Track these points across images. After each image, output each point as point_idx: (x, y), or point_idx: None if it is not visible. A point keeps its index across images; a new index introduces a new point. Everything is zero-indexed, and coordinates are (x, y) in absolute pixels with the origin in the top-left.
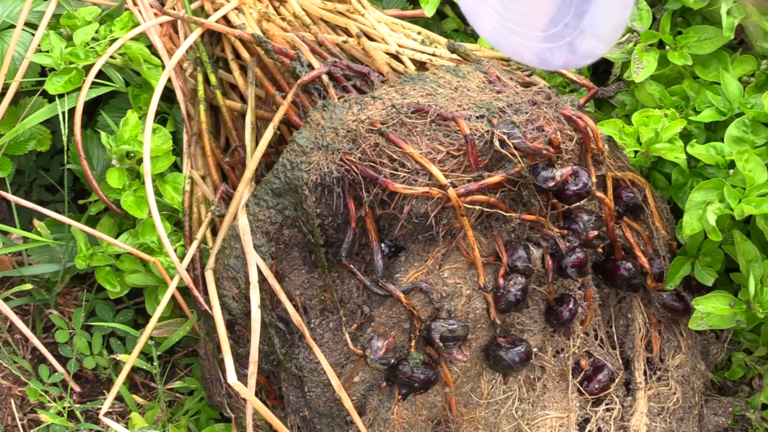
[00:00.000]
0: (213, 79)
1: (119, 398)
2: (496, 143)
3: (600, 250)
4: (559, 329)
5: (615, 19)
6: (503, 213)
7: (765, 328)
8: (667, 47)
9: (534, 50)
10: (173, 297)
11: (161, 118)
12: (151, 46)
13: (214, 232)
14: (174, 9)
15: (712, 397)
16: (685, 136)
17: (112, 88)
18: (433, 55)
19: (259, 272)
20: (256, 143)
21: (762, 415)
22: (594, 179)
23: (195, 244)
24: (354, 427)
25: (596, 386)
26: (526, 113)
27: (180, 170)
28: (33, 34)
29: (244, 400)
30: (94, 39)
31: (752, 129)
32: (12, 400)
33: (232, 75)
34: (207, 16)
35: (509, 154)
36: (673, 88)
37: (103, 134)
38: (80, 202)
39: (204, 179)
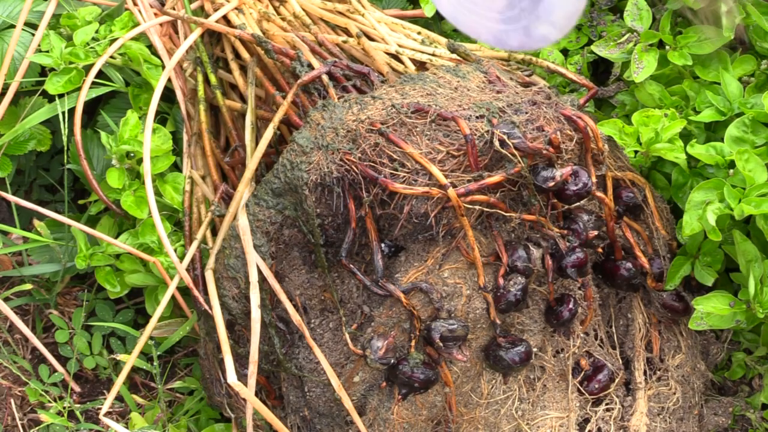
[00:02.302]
0: (213, 79)
1: (119, 398)
2: (496, 143)
3: (600, 250)
4: (559, 329)
5: (569, 7)
6: (503, 213)
7: (765, 328)
8: (667, 47)
9: (491, 30)
10: (173, 297)
11: (161, 118)
12: (151, 46)
13: (214, 232)
14: (174, 9)
15: (712, 397)
16: (685, 136)
17: (112, 88)
18: (433, 55)
19: (259, 272)
20: (256, 143)
21: (762, 415)
22: (594, 179)
23: (195, 244)
24: (354, 427)
25: (596, 386)
26: (526, 113)
27: (180, 170)
28: (33, 34)
29: (244, 400)
30: (94, 39)
31: (752, 129)
32: (12, 400)
33: (232, 75)
34: (207, 16)
35: (509, 154)
36: (673, 88)
37: (103, 134)
38: (80, 202)
39: (204, 179)
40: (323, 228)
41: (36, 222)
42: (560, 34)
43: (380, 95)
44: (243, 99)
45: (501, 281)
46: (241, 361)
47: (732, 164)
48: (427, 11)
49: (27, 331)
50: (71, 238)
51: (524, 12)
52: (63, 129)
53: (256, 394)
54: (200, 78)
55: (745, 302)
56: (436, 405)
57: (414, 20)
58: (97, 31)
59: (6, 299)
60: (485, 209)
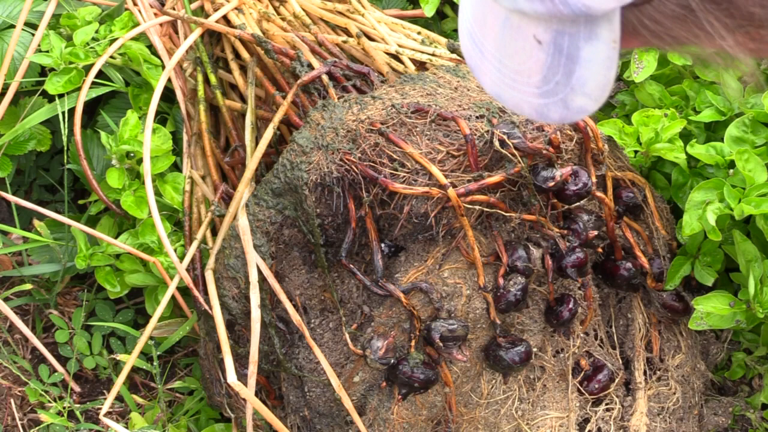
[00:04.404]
0: (213, 79)
1: (119, 398)
2: (496, 143)
3: (600, 250)
4: (559, 329)
5: (601, 78)
6: (503, 213)
7: (765, 328)
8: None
9: (532, 105)
10: (173, 297)
11: (161, 118)
12: (151, 46)
13: (214, 232)
14: (174, 9)
15: (712, 397)
16: (685, 136)
17: (112, 88)
18: (433, 55)
19: (259, 272)
20: (256, 143)
21: (762, 415)
22: (594, 179)
23: (195, 244)
24: (354, 427)
25: (596, 386)
26: None
27: (180, 170)
28: (33, 34)
29: (244, 400)
30: (94, 39)
31: (752, 129)
32: (12, 400)
33: (232, 75)
34: (207, 16)
35: (509, 154)
36: (673, 88)
37: (103, 134)
38: (80, 202)
39: (204, 179)
40: (323, 228)
41: (36, 222)
42: (597, 104)
43: (380, 95)
44: (243, 99)
45: (501, 281)
46: (241, 361)
47: (732, 164)
48: (427, 11)
49: (27, 331)
50: (71, 238)
51: (559, 85)
52: (63, 129)
53: (256, 394)
54: (200, 78)
55: (745, 302)
56: (436, 405)
57: (414, 20)
58: (97, 31)
59: (6, 299)
60: (485, 209)
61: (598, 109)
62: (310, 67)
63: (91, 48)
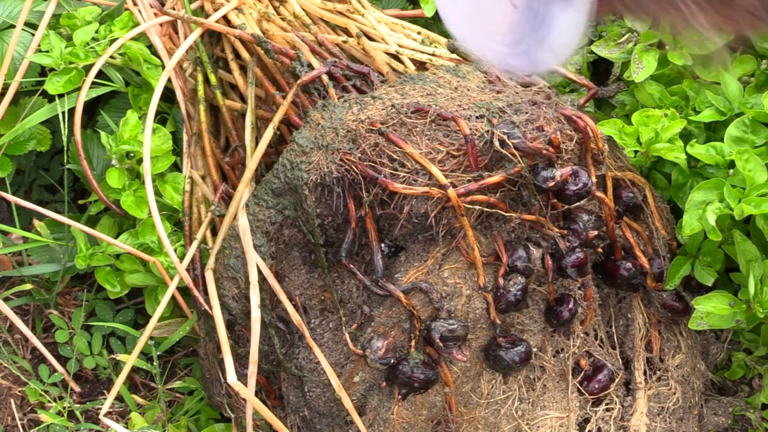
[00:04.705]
0: (213, 79)
1: (119, 398)
2: (496, 143)
3: (600, 250)
4: (559, 329)
5: (566, 37)
6: (503, 213)
7: (765, 328)
8: (667, 47)
9: (495, 51)
10: (173, 297)
11: (161, 118)
12: (151, 46)
13: (214, 232)
14: (174, 9)
15: (712, 397)
16: (685, 136)
17: (112, 88)
18: (433, 55)
19: (259, 272)
20: (256, 143)
21: (762, 415)
22: (594, 179)
23: (195, 244)
24: (354, 427)
25: (596, 386)
26: (526, 113)
27: (180, 170)
28: (33, 34)
29: (244, 400)
30: (94, 39)
31: (752, 129)
32: (12, 400)
33: (232, 75)
34: (207, 16)
35: (509, 154)
36: (673, 88)
37: (103, 134)
38: (80, 202)
39: (204, 179)
40: (323, 228)
41: (36, 222)
42: (558, 61)
43: (380, 95)
44: (243, 99)
45: (501, 281)
46: (241, 361)
47: (732, 164)
48: (427, 11)
49: (27, 331)
50: (71, 238)
51: (524, 37)
52: (63, 129)
53: (256, 394)
54: (200, 78)
55: (745, 302)
56: (436, 405)
57: (414, 20)
58: (97, 31)
59: (6, 299)
60: (485, 209)
61: (558, 65)
62: (310, 67)
63: (91, 48)
